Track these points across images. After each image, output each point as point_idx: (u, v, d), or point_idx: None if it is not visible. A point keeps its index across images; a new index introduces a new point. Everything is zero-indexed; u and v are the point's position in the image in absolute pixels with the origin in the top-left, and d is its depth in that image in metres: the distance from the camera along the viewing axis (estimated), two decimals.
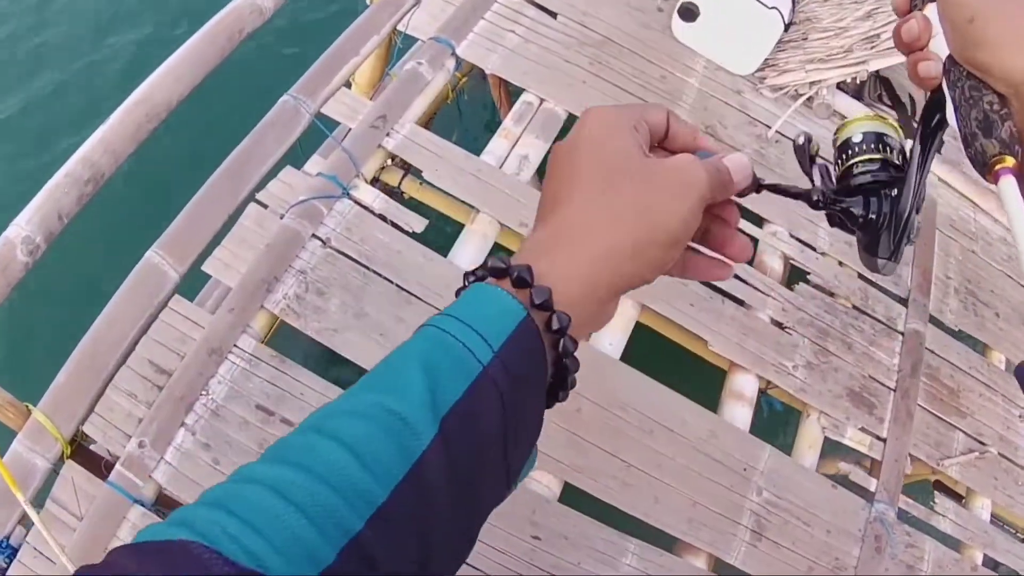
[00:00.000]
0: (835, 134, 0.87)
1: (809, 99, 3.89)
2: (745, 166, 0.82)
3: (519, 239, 4.41)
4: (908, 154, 0.83)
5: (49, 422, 2.99)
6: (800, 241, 3.77)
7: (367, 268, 3.27)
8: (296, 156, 3.57)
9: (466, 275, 0.77)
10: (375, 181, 3.59)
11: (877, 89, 4.00)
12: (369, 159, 3.47)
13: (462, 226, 3.53)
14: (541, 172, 3.62)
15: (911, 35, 0.83)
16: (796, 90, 3.88)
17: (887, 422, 3.55)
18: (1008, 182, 0.71)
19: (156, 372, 3.09)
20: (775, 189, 0.89)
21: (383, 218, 3.38)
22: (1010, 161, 0.73)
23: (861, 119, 0.86)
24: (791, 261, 3.74)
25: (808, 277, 3.73)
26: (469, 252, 3.39)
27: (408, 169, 3.96)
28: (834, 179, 0.88)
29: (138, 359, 3.10)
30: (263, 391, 3.08)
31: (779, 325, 3.57)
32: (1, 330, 5.18)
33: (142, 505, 2.95)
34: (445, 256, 3.38)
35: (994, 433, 3.76)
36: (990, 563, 3.61)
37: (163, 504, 3.09)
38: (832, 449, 3.61)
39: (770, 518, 3.27)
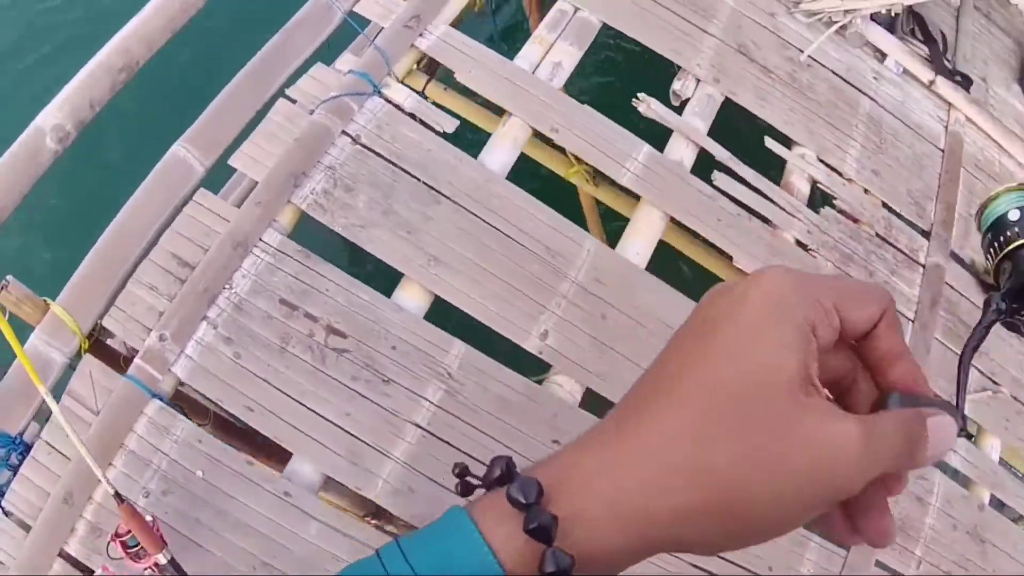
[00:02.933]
0: (982, 208, 0.66)
1: (843, 27, 3.54)
2: (950, 438, 0.53)
3: (539, 148, 4.10)
4: None
5: (68, 316, 2.69)
6: (827, 165, 3.44)
7: (397, 166, 2.93)
8: (326, 57, 3.23)
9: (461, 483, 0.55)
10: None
11: (910, 23, 3.65)
12: (402, 58, 3.12)
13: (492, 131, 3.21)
14: (574, 81, 3.29)
15: None
16: (830, 17, 3.52)
17: None
18: None
19: (179, 265, 2.78)
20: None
21: (414, 117, 3.05)
22: None
23: (1010, 190, 0.64)
24: (818, 185, 3.41)
25: (834, 201, 3.41)
26: (499, 155, 3.04)
27: (432, 74, 3.61)
28: (991, 263, 0.65)
29: (161, 252, 2.78)
30: (287, 285, 2.77)
31: (803, 247, 3.25)
32: (22, 225, 4.84)
33: (160, 400, 2.66)
34: (476, 158, 3.06)
35: (1008, 375, 3.45)
36: (996, 504, 3.35)
37: (179, 400, 2.81)
38: None
39: None
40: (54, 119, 2.63)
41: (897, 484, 0.54)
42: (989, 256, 0.65)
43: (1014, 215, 0.63)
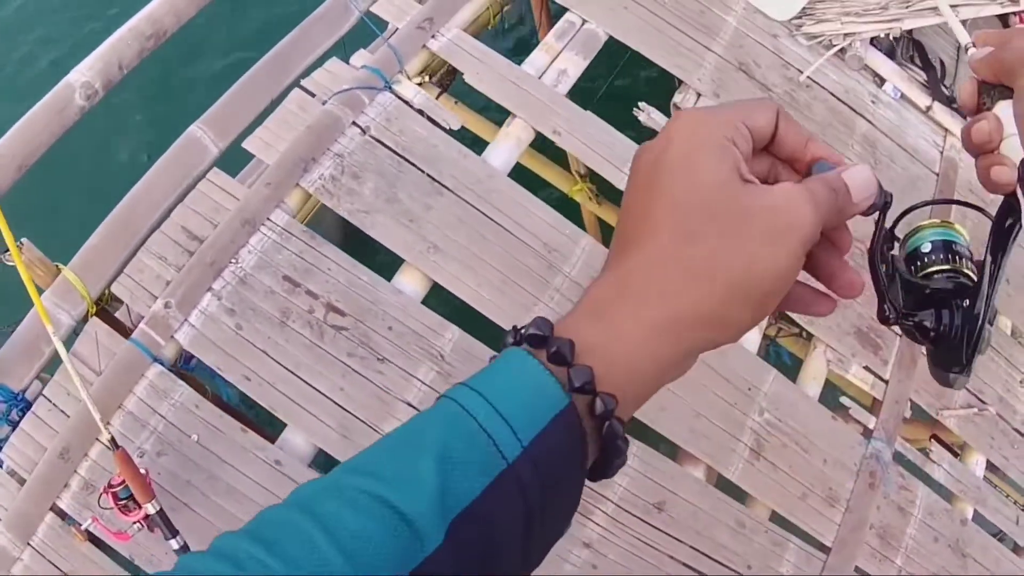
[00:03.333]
0: (903, 240, 0.74)
1: (842, 50, 3.61)
2: (868, 183, 0.61)
3: (545, 165, 4.18)
4: (981, 261, 0.72)
5: (78, 280, 2.75)
6: None
7: (403, 158, 3.00)
8: (341, 54, 3.32)
9: (507, 336, 0.60)
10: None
11: (910, 50, 3.72)
12: (413, 58, 3.21)
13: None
14: (578, 88, 3.37)
15: (981, 136, 0.69)
16: (831, 40, 3.60)
17: (891, 365, 3.26)
18: None
19: (189, 238, 2.84)
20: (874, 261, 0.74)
21: (422, 114, 3.13)
22: None
23: (929, 226, 0.73)
24: None
25: None
26: (502, 154, 3.11)
27: (445, 88, 3.71)
28: (901, 287, 0.74)
29: (172, 225, 2.85)
30: (291, 263, 2.83)
31: None
32: (38, 194, 4.89)
33: (161, 364, 2.72)
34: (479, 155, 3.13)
35: (994, 393, 3.47)
36: (979, 520, 3.35)
37: (176, 375, 2.86)
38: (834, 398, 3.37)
39: (769, 439, 3.00)
40: (84, 76, 2.73)
41: (843, 238, 0.64)
42: (910, 271, 0.73)
43: (926, 247, 0.73)
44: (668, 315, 0.55)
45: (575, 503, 0.57)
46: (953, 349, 0.71)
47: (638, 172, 0.60)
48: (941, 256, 0.72)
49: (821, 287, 0.65)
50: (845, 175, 0.61)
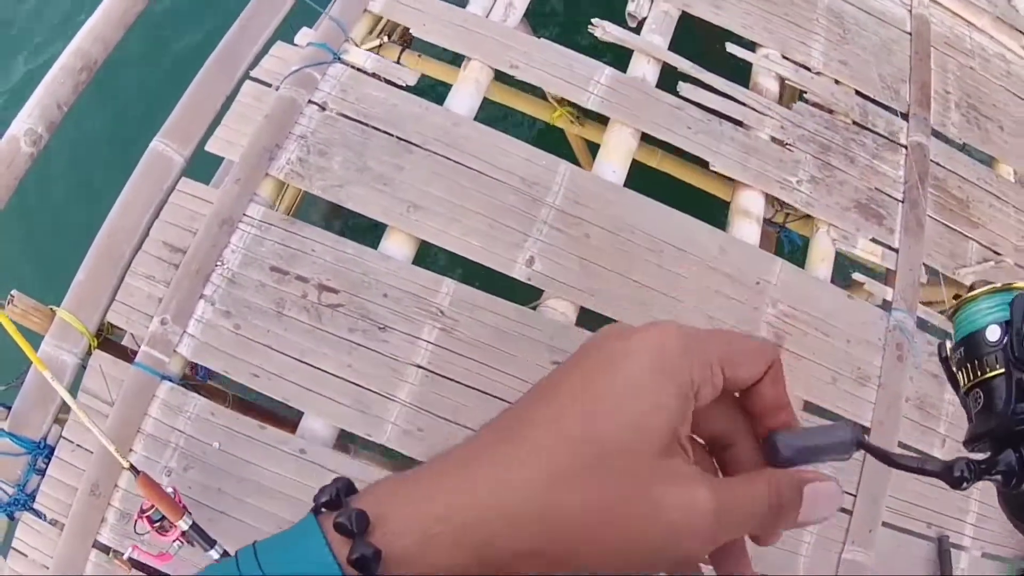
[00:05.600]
0: (954, 315, 0.51)
1: None
2: (831, 500, 0.47)
3: (519, 97, 3.92)
4: None
5: (74, 318, 2.59)
6: (793, 62, 3.23)
7: (365, 125, 2.78)
8: (288, 37, 3.10)
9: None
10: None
11: None
12: (357, 23, 2.99)
13: None
14: (533, 18, 3.13)
15: None
16: None
17: (898, 232, 3.01)
18: None
19: (171, 251, 2.67)
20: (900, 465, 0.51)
21: (377, 77, 2.91)
22: None
23: (993, 292, 0.49)
24: (787, 81, 3.21)
25: (804, 95, 3.19)
26: (464, 98, 2.88)
27: (407, 44, 3.47)
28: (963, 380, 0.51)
29: (153, 243, 2.67)
30: (276, 253, 2.64)
31: (780, 143, 3.02)
32: (15, 240, 4.71)
33: (170, 381, 2.56)
34: (441, 105, 2.91)
35: (1008, 244, 3.20)
36: None
37: (188, 380, 2.70)
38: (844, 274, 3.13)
39: (788, 329, 2.78)
40: (26, 124, 2.56)
41: (767, 538, 0.48)
42: (963, 371, 0.50)
43: (993, 335, 0.48)
44: (490, 553, 0.43)
45: None
46: None
47: (577, 361, 0.47)
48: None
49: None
50: (810, 489, 0.47)
